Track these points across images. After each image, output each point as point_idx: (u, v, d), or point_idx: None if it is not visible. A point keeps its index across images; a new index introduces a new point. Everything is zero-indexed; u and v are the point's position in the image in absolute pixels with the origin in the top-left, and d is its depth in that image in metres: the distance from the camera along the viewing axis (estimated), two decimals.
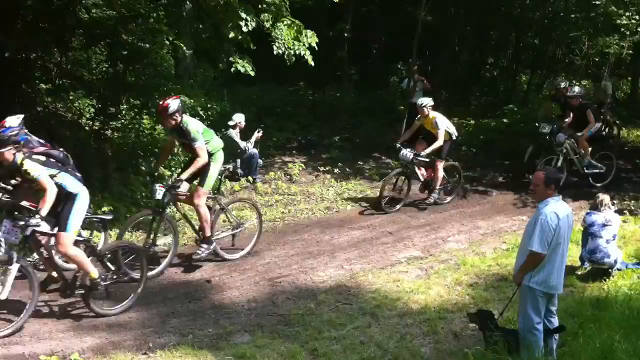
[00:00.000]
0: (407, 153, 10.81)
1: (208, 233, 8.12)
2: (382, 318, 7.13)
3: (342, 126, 15.12)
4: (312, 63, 10.86)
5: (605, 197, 8.54)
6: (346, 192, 11.94)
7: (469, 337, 6.82)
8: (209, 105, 11.98)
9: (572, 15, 15.72)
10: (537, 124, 12.85)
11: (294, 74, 15.57)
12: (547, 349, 5.98)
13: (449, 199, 11.60)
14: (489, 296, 7.75)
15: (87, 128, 11.21)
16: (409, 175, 11.09)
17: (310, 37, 10.64)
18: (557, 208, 5.83)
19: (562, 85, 13.63)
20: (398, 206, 11.01)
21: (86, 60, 11.69)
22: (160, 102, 7.93)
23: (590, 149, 12.27)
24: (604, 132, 14.22)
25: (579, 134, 12.08)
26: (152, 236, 7.92)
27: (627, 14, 13.57)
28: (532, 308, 5.89)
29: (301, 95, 16.71)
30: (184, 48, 11.26)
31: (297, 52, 10.63)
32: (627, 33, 14.72)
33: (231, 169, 8.98)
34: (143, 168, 10.47)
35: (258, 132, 12.14)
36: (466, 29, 16.67)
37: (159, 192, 7.67)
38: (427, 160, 11.01)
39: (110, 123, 11.08)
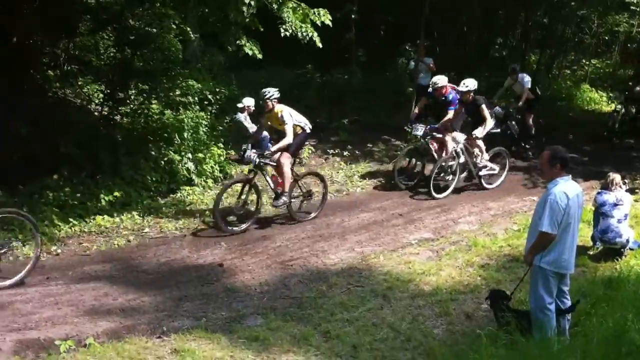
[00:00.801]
0: (252, 155, 9.14)
1: None
2: (394, 300, 7.15)
3: (351, 108, 15.05)
4: (320, 45, 10.77)
5: (616, 177, 8.49)
6: (356, 175, 11.93)
7: (481, 317, 6.85)
8: (217, 90, 11.97)
9: None
10: (408, 126, 11.81)
11: (302, 57, 15.50)
12: (559, 329, 5.98)
13: (312, 214, 9.76)
14: (501, 277, 7.76)
15: (96, 113, 11.25)
16: (255, 185, 9.32)
17: (323, 16, 10.38)
18: (566, 188, 5.80)
19: (439, 83, 11.19)
20: (244, 225, 9.14)
21: (94, 46, 11.71)
22: None
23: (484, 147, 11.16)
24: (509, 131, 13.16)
25: (478, 134, 10.88)
26: None
27: None
28: (544, 288, 5.87)
29: (309, 78, 16.63)
30: (191, 32, 11.22)
31: (305, 34, 10.53)
32: (637, 10, 14.55)
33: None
34: (153, 153, 10.49)
35: None
36: (474, 8, 16.52)
37: None
38: (275, 164, 9.35)
39: (119, 108, 11.11)
